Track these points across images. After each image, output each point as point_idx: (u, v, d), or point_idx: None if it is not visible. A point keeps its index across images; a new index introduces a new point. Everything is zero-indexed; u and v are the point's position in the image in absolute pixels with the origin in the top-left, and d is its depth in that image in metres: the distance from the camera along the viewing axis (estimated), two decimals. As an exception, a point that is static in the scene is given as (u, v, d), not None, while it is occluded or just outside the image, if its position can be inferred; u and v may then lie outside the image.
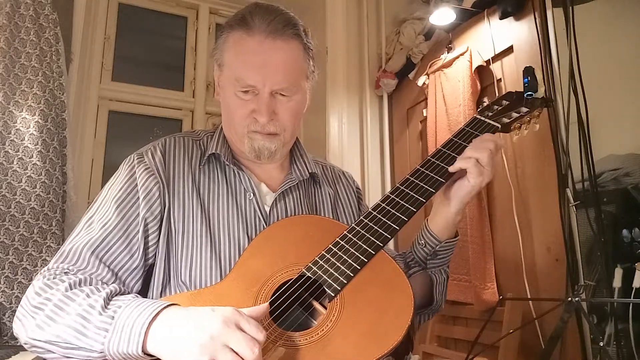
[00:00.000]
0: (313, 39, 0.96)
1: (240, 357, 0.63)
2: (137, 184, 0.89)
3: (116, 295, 0.77)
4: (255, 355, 0.63)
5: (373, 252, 0.80)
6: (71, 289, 0.75)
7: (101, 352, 0.70)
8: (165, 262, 0.88)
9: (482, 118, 0.99)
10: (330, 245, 0.83)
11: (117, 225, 0.85)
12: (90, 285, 0.77)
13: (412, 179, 0.90)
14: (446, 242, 0.94)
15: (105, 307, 0.72)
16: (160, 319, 0.70)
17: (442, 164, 0.91)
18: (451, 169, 0.90)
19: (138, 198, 0.88)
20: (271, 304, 0.76)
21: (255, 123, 0.92)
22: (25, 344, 0.77)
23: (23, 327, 0.76)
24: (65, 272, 0.79)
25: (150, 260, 0.88)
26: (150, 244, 0.88)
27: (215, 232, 0.90)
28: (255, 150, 0.94)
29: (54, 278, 0.78)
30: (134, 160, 0.93)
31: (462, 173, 0.90)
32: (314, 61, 0.97)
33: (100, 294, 0.74)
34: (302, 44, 0.93)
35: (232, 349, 0.64)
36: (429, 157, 0.93)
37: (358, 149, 2.57)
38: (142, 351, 0.68)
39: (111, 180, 0.93)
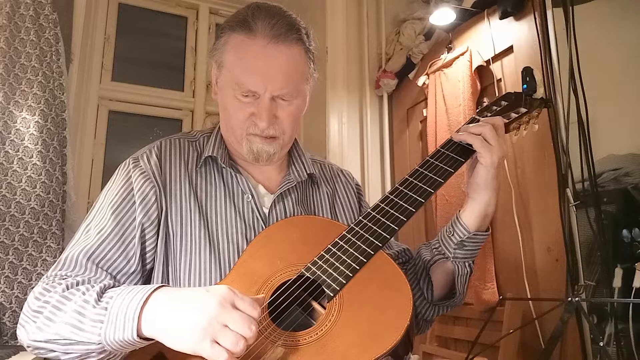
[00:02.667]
0: (314, 40, 0.95)
1: (240, 335, 0.65)
2: (133, 188, 0.89)
3: (110, 288, 0.77)
4: (252, 333, 0.66)
5: (372, 252, 0.80)
6: (68, 289, 0.76)
7: (99, 344, 0.71)
8: (164, 265, 0.88)
9: (481, 119, 0.99)
10: (329, 246, 0.83)
11: (112, 231, 0.85)
12: (87, 284, 0.78)
13: (410, 179, 0.90)
14: (475, 234, 0.93)
15: (99, 300, 0.73)
16: (153, 301, 0.70)
17: (441, 164, 0.91)
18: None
19: (134, 203, 0.88)
20: (270, 304, 0.76)
21: (255, 126, 0.91)
22: (28, 347, 0.78)
23: (25, 331, 0.77)
24: (63, 278, 0.80)
25: (148, 265, 0.88)
26: (148, 248, 0.87)
27: (213, 235, 0.90)
28: (253, 152, 0.93)
29: (52, 282, 0.79)
30: (129, 164, 0.93)
31: (476, 162, 0.91)
32: (314, 63, 0.96)
33: (94, 289, 0.75)
34: (304, 48, 0.92)
35: (231, 329, 0.65)
36: (427, 158, 0.94)
37: (358, 149, 2.56)
38: (138, 335, 0.69)
39: (108, 186, 0.93)
